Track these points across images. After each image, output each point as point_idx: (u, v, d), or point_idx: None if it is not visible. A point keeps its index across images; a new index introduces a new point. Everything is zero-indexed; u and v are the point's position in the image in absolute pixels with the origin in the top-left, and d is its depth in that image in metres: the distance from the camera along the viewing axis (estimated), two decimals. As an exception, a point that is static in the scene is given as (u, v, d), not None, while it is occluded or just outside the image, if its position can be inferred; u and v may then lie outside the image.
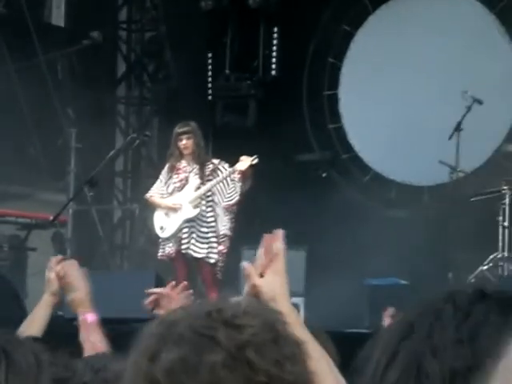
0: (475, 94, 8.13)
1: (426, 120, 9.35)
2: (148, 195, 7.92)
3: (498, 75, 9.13)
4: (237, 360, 1.12)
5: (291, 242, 7.54)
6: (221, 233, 7.71)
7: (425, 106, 9.41)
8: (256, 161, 7.73)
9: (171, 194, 7.85)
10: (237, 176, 7.70)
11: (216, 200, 7.75)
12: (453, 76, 9.25)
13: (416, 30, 9.54)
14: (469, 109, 8.08)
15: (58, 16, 9.51)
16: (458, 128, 8.02)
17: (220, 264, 7.73)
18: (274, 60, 9.83)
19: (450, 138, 8.02)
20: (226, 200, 7.70)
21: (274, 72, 9.87)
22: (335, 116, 9.97)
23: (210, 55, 9.92)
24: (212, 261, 7.72)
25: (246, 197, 7.75)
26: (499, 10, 9.25)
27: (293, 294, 6.75)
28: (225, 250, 7.71)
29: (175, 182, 7.85)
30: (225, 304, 1.21)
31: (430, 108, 9.34)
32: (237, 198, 7.69)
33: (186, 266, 7.80)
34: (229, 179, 7.72)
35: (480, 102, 8.10)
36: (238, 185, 7.70)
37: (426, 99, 9.41)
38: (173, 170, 7.86)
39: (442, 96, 9.24)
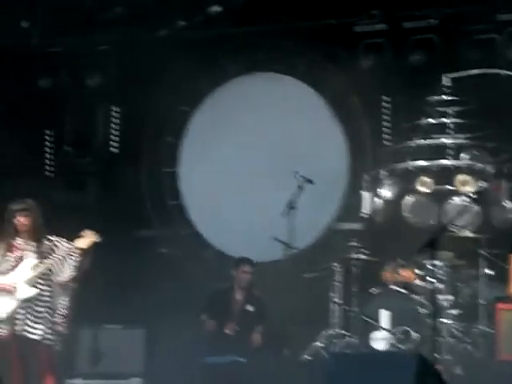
0: (306, 173, 8.17)
1: (262, 198, 9.22)
2: (-23, 275, 7.14)
3: (327, 157, 9.10)
4: None
5: (130, 321, 6.70)
6: (60, 313, 7.01)
7: (260, 184, 9.28)
8: (97, 238, 7.15)
9: (6, 272, 7.09)
10: (76, 252, 7.07)
11: (53, 277, 7.07)
12: (285, 156, 9.16)
13: (250, 111, 9.45)
14: (300, 188, 8.14)
15: None
16: (290, 206, 8.03)
17: (57, 346, 7.01)
18: (113, 137, 9.59)
19: (283, 215, 8.00)
20: (64, 275, 7.04)
21: (113, 149, 9.60)
22: (175, 193, 9.67)
23: (48, 132, 9.61)
24: (48, 342, 6.98)
25: (85, 273, 7.16)
26: (329, 96, 9.21)
27: (131, 374, 5.99)
28: (64, 331, 7.02)
29: (10, 261, 7.10)
30: None
31: (266, 187, 9.21)
32: (73, 274, 7.04)
33: (20, 349, 7.02)
34: (67, 255, 7.08)
35: (310, 182, 8.17)
36: (77, 260, 7.05)
37: (260, 178, 9.29)
38: (8, 248, 7.13)
39: (275, 175, 9.10)
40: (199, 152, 9.59)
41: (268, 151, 9.31)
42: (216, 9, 8.91)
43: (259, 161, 9.32)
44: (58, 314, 7.07)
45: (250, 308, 8.07)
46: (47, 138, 9.67)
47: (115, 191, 9.47)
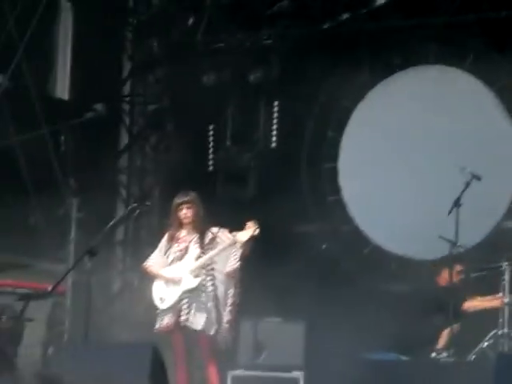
0: (474, 169, 7.83)
1: (425, 194, 8.95)
2: (146, 264, 7.31)
3: (496, 151, 8.71)
4: None
5: (290, 314, 6.69)
6: (228, 301, 7.08)
7: (424, 180, 9.01)
8: (258, 232, 7.17)
9: (171, 263, 7.24)
10: (238, 243, 7.13)
11: (217, 268, 7.16)
12: (452, 151, 8.85)
13: (415, 105, 9.19)
14: (467, 184, 7.77)
15: (62, 89, 9.33)
16: (457, 203, 7.74)
17: (225, 334, 7.07)
18: (274, 133, 9.56)
19: (450, 213, 7.73)
20: (228, 266, 7.09)
21: (274, 144, 9.56)
22: (335, 188, 9.57)
23: (211, 127, 9.70)
24: (212, 332, 7.05)
25: (246, 264, 7.19)
26: (498, 88, 8.84)
27: (292, 367, 5.97)
28: (233, 319, 7.07)
29: (175, 252, 7.26)
30: None
31: (429, 182, 8.94)
32: (239, 263, 7.10)
33: (184, 339, 7.12)
34: (230, 246, 7.17)
35: (478, 178, 7.82)
36: (240, 251, 7.10)
37: (424, 174, 9.01)
38: (173, 239, 7.29)
39: (441, 171, 8.82)
40: (360, 147, 9.43)
41: (433, 146, 9.04)
42: (381, 1, 8.73)
43: (424, 156, 9.07)
44: (227, 304, 7.11)
45: None
46: (210, 133, 9.79)
47: (275, 186, 9.45)
